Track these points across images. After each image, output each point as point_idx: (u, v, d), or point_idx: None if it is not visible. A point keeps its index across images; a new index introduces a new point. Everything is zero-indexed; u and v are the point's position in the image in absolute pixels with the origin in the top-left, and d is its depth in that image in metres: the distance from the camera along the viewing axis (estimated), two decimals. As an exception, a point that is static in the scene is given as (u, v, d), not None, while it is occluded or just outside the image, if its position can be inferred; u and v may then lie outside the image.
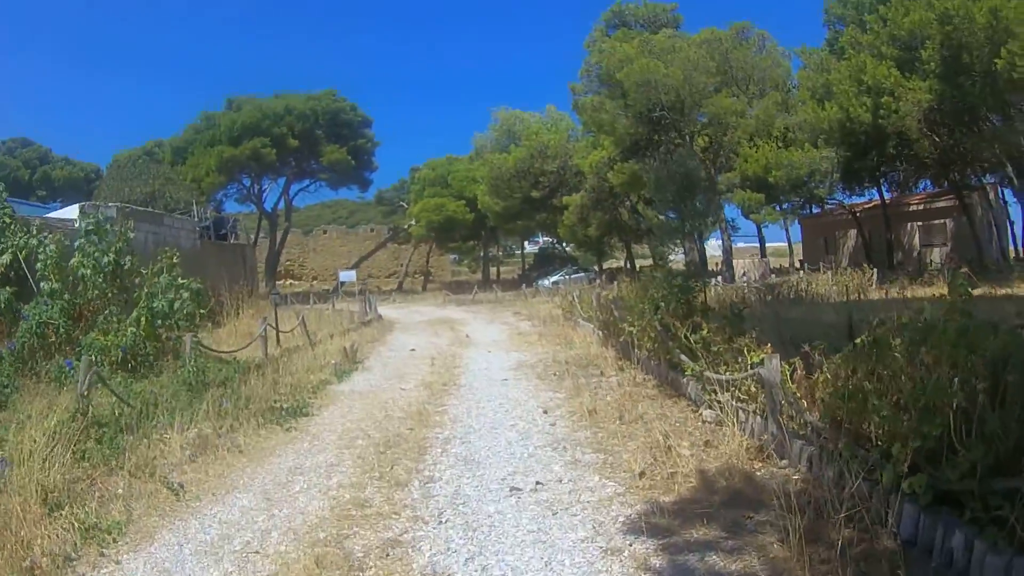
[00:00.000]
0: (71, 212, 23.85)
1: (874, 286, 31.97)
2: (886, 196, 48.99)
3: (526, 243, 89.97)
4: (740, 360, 10.50)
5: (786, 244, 75.76)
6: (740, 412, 9.72)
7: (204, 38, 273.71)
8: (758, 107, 39.48)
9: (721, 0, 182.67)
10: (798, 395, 8.83)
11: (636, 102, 38.66)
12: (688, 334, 12.10)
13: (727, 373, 10.44)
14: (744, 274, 46.43)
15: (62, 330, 15.58)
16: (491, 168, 55.85)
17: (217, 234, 36.89)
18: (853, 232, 53.92)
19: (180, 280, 17.63)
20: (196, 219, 34.54)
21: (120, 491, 8.62)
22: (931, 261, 44.96)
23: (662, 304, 13.87)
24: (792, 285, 31.06)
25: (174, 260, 18.42)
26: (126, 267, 17.59)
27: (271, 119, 63.96)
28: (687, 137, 40.93)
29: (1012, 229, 50.20)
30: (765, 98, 39.76)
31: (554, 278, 59.10)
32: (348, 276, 67.34)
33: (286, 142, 63.93)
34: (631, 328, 15.50)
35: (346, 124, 69.63)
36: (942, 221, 48.81)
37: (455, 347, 23.66)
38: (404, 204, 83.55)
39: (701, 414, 10.81)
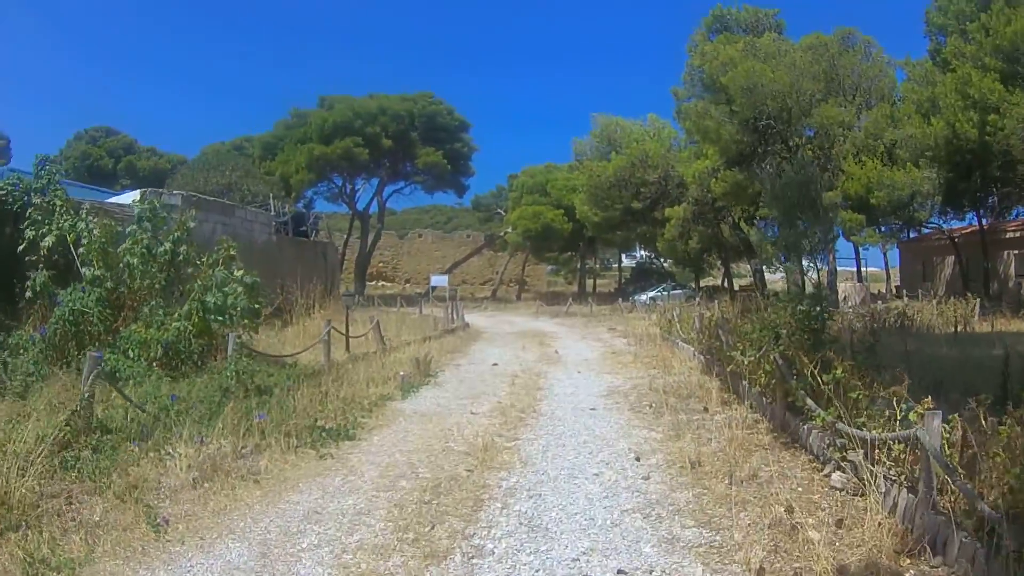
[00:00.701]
0: (132, 198, 22.11)
1: (976, 317, 29.56)
2: (984, 222, 46.01)
3: (623, 256, 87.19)
4: (881, 412, 8.35)
5: (883, 268, 72.09)
6: (882, 480, 7.47)
7: (301, 33, 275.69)
8: (866, 119, 36.59)
9: (821, 8, 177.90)
10: (958, 467, 6.59)
11: (741, 108, 36.19)
12: (816, 372, 9.62)
13: (871, 429, 8.10)
14: (845, 298, 43.47)
15: (97, 319, 14.43)
16: (590, 176, 53.34)
17: (296, 230, 35.20)
18: (950, 259, 50.60)
19: (237, 273, 16.09)
20: (273, 213, 32.82)
21: (96, 517, 7.34)
22: (1029, 292, 41.46)
23: (783, 333, 11.30)
24: (898, 313, 28.19)
25: (231, 252, 17.13)
26: (180, 257, 16.30)
27: (364, 119, 62.75)
28: (793, 149, 38.09)
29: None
30: (874, 109, 36.91)
31: (651, 293, 56.99)
32: (440, 281, 65.98)
33: (379, 142, 62.77)
34: (742, 357, 12.99)
35: (442, 127, 68.17)
36: (1041, 250, 45.51)
37: (541, 364, 21.48)
38: (501, 211, 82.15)
39: (829, 477, 8.57)
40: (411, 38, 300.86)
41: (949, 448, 6.81)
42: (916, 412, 7.31)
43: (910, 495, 6.88)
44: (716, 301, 32.33)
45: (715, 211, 43.60)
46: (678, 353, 21.69)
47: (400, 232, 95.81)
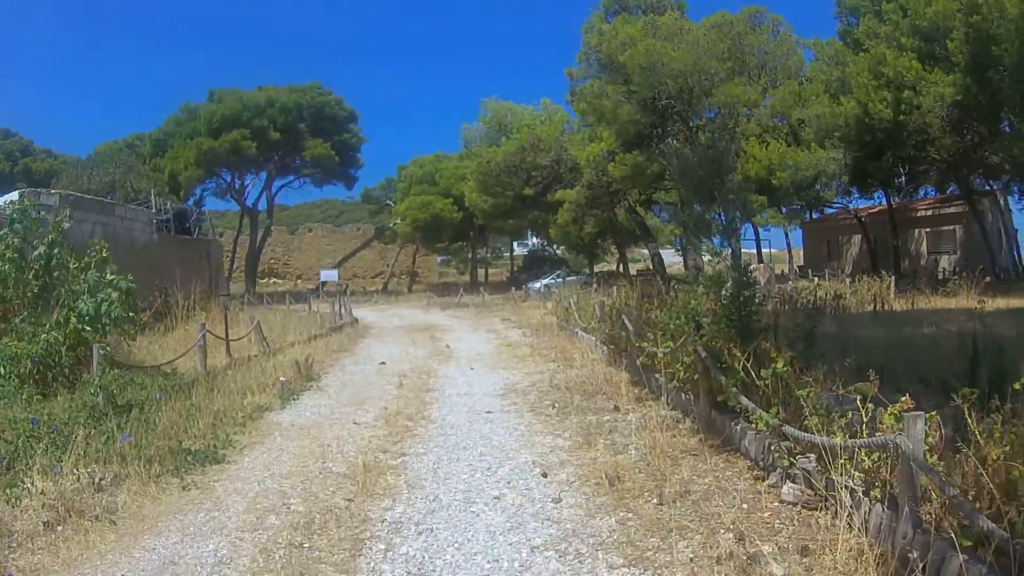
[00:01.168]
0: (7, 199, 20.42)
1: (892, 295, 28.72)
2: (892, 200, 46.32)
3: (515, 245, 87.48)
4: (834, 410, 7.04)
5: (784, 250, 72.39)
6: (847, 494, 6.06)
7: (192, 30, 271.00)
8: (774, 97, 35.72)
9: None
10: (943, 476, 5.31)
11: (640, 88, 34.72)
12: (748, 366, 8.35)
13: (829, 433, 6.72)
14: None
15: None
16: (480, 162, 51.39)
17: (180, 228, 33.12)
18: (857, 238, 51.27)
19: (110, 277, 14.45)
20: (154, 210, 30.84)
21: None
22: (942, 269, 41.86)
23: (705, 322, 10.00)
24: (809, 294, 27.36)
25: (104, 254, 15.49)
26: (54, 261, 14.75)
27: (252, 111, 60.89)
28: (693, 129, 37.13)
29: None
30: (781, 87, 36.02)
31: (544, 281, 55.71)
32: (330, 275, 64.75)
33: (267, 135, 60.97)
34: (654, 349, 11.63)
35: (331, 118, 66.54)
36: (951, 228, 46.38)
37: (432, 361, 19.94)
38: (391, 203, 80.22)
39: (777, 489, 7.17)
40: (300, 33, 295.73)
41: (930, 454, 5.59)
42: (890, 413, 6.09)
43: (887, 510, 5.59)
44: (614, 287, 31.11)
45: (610, 195, 41.85)
46: (578, 344, 20.39)
47: (291, 227, 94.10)
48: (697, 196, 34.91)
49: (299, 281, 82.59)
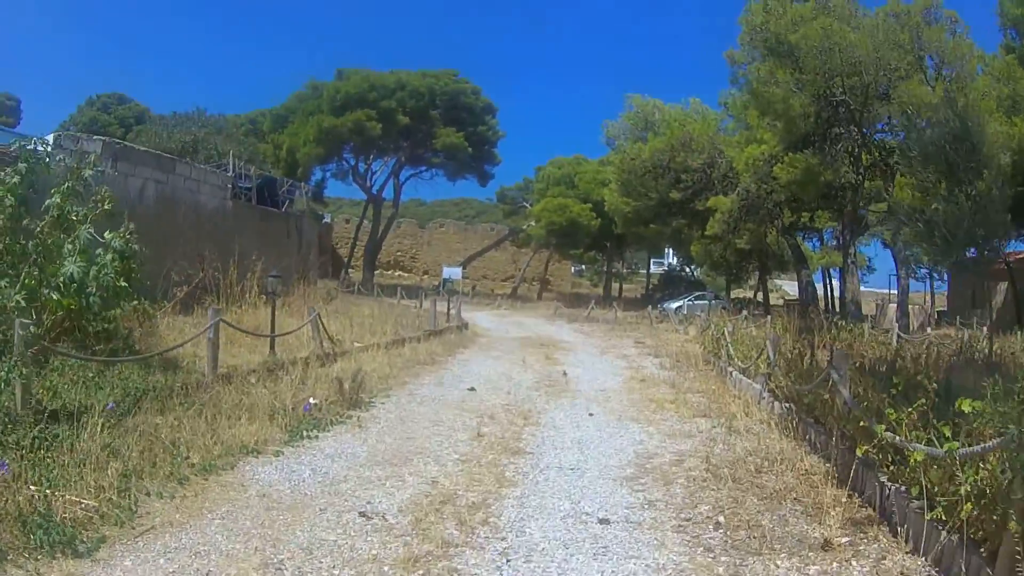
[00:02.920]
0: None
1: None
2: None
3: (651, 263, 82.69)
4: None
5: (927, 292, 64.82)
6: None
7: (326, 9, 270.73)
8: (955, 105, 28.99)
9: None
10: None
11: (813, 77, 28.43)
12: None
13: None
14: (897, 319, 36.55)
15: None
16: (623, 159, 44.81)
17: (266, 199, 28.40)
18: (1002, 285, 44.29)
19: (110, 235, 11.57)
20: (232, 173, 26.08)
21: None
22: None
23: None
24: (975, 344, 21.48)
25: (107, 205, 12.13)
26: (66, 214, 11.59)
27: (380, 92, 56.96)
28: (868, 135, 30.84)
29: None
30: (961, 95, 29.23)
31: (679, 302, 50.70)
32: (454, 273, 60.45)
33: (394, 118, 56.69)
34: (911, 445, 6.05)
35: (466, 108, 62.05)
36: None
37: (539, 394, 14.67)
38: (526, 204, 75.58)
39: None
40: (438, 23, 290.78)
41: None
42: None
43: None
44: (770, 317, 25.42)
45: (769, 207, 35.56)
46: (734, 389, 15.21)
47: (422, 222, 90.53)
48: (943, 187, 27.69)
49: (425, 276, 78.90)
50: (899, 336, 23.80)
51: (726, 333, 18.83)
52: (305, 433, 9.70)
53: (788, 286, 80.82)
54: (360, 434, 10.14)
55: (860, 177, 32.36)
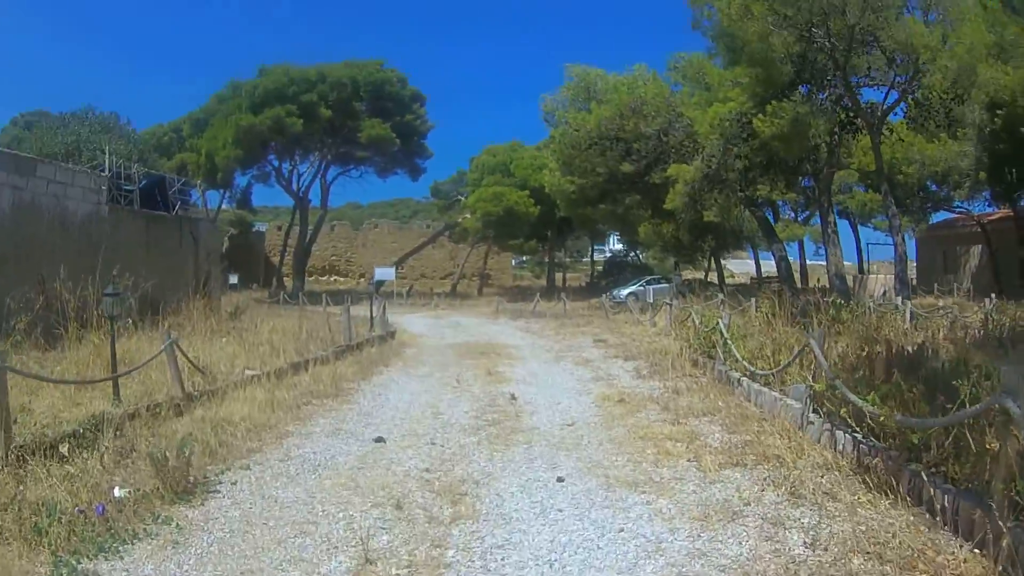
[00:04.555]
0: None
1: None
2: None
3: (594, 250, 79.88)
4: None
5: (885, 259, 61.52)
6: None
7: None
8: (956, 45, 24.32)
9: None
10: None
11: (797, 8, 23.28)
12: None
13: None
14: (884, 293, 32.25)
15: None
16: (564, 135, 38.98)
17: (158, 202, 24.32)
18: (977, 249, 43.55)
19: None
20: (108, 173, 21.55)
21: None
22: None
23: None
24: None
25: None
26: None
27: (300, 85, 51.90)
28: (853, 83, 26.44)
29: None
30: (961, 33, 24.69)
31: (631, 288, 45.86)
32: (386, 274, 55.91)
33: (316, 112, 51.58)
34: None
35: (392, 98, 56.95)
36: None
37: (478, 441, 9.74)
38: (461, 197, 70.94)
39: None
40: (364, 14, 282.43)
41: None
42: None
43: None
44: (754, 299, 20.80)
45: (739, 171, 30.15)
46: (751, 405, 11.07)
47: (355, 224, 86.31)
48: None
49: (362, 279, 74.39)
50: (912, 314, 19.44)
51: (722, 326, 13.99)
52: (77, 564, 5.52)
53: (733, 265, 77.14)
54: (169, 563, 5.69)
55: (837, 134, 27.94)
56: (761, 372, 11.29)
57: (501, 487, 7.49)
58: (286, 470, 8.34)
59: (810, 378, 9.84)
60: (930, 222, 49.06)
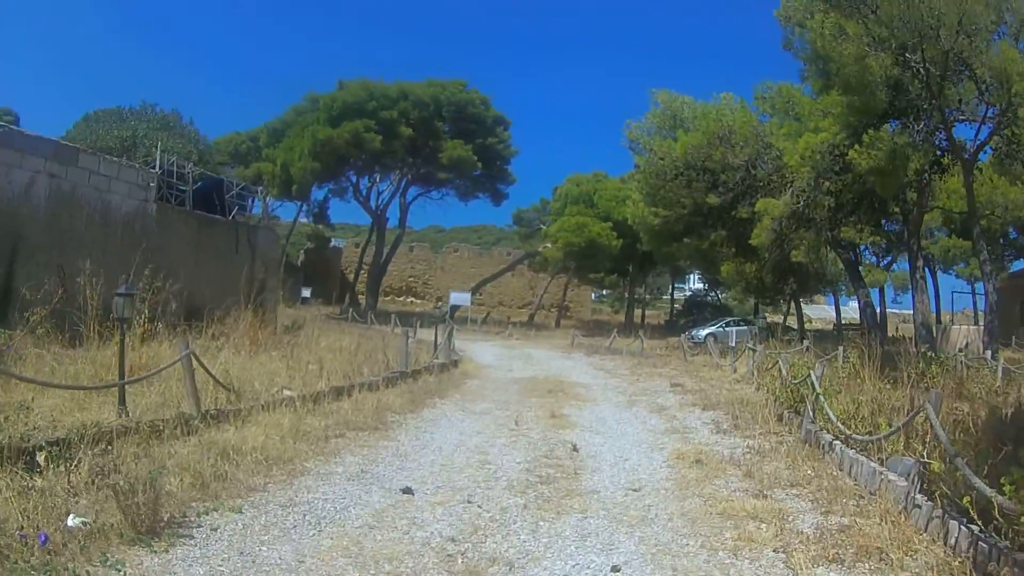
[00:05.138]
0: None
1: None
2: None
3: (674, 288, 77.77)
4: None
5: (969, 308, 58.82)
6: None
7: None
8: None
9: None
10: None
11: (892, 29, 21.40)
12: None
13: None
14: (967, 344, 30.02)
15: None
16: (649, 163, 36.76)
17: (216, 205, 23.29)
18: None
19: None
20: (159, 171, 20.77)
21: None
22: None
23: None
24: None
25: None
26: None
27: (380, 101, 51.07)
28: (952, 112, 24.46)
29: None
30: None
31: (709, 329, 43.71)
32: (462, 298, 55.02)
33: (396, 129, 50.67)
34: None
35: (474, 119, 56.02)
36: None
37: (524, 503, 8.17)
38: (543, 226, 69.26)
39: None
40: (453, 39, 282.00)
41: None
42: None
43: None
44: (844, 349, 19.02)
45: (829, 208, 28.31)
46: (845, 476, 9.39)
47: (436, 247, 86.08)
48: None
49: (439, 303, 73.42)
50: (1004, 368, 17.65)
51: (814, 378, 12.27)
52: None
53: (810, 310, 74.83)
54: None
55: (928, 173, 25.86)
56: (859, 437, 9.60)
57: (540, 574, 5.98)
58: (283, 520, 7.01)
59: (921, 449, 8.23)
60: (1010, 271, 46.64)
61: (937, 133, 24.82)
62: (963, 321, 48.83)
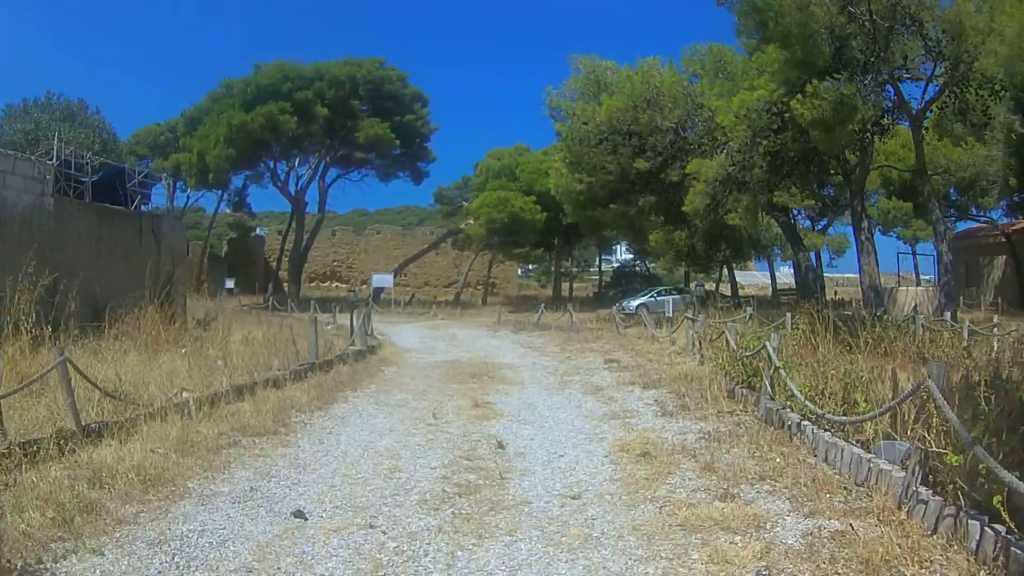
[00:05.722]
0: None
1: None
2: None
3: (601, 260, 78.56)
4: None
5: (911, 271, 58.46)
6: None
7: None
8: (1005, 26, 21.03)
9: None
10: None
11: None
12: None
13: None
14: (916, 307, 29.27)
15: None
16: (572, 129, 34.98)
17: (119, 196, 21.93)
18: (1001, 260, 42.09)
19: None
20: (56, 162, 19.15)
21: None
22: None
23: None
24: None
25: None
26: None
27: (295, 82, 49.34)
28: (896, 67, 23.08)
29: None
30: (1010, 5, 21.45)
31: (641, 299, 42.79)
32: (385, 281, 53.69)
33: (312, 110, 49.03)
34: None
35: (392, 96, 54.27)
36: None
37: (439, 524, 6.63)
38: (465, 203, 68.12)
39: None
40: (368, 16, 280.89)
41: None
42: None
43: None
44: (792, 315, 17.76)
45: (763, 169, 26.31)
46: (822, 464, 8.02)
47: (358, 230, 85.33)
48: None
49: (363, 286, 71.03)
50: (970, 329, 16.77)
51: (770, 350, 10.88)
52: None
53: (742, 277, 74.53)
54: None
55: (870, 132, 24.73)
56: (836, 418, 8.20)
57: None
58: (147, 564, 5.52)
59: (910, 429, 6.90)
60: (954, 232, 46.06)
61: (883, 90, 23.63)
62: (904, 283, 48.56)
